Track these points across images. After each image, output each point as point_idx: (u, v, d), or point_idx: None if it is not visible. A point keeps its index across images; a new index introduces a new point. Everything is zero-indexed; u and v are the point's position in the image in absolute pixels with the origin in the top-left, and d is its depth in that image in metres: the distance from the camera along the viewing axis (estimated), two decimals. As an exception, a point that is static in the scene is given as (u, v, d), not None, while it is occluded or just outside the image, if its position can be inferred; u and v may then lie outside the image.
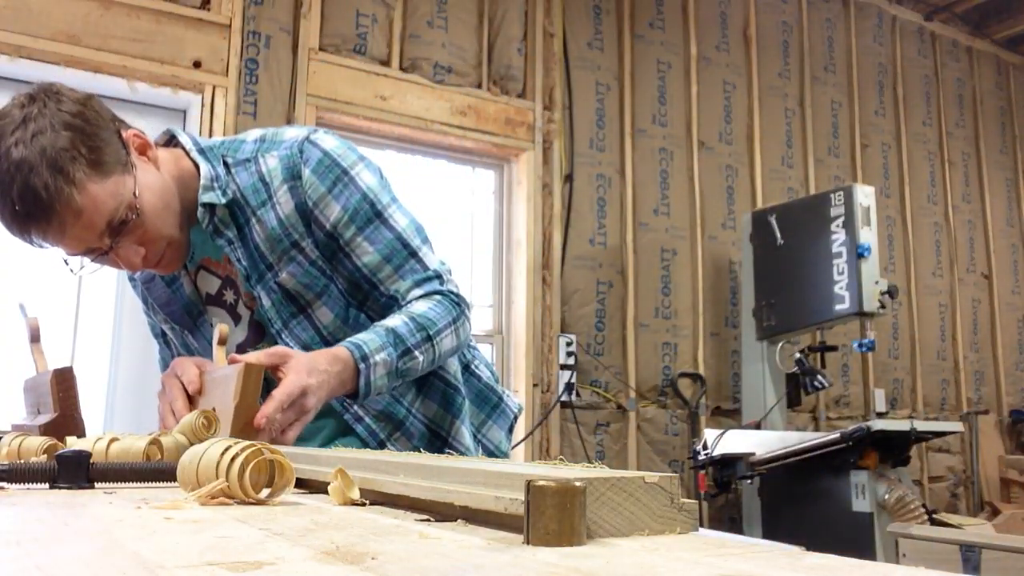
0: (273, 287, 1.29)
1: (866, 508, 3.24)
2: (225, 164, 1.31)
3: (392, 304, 1.31)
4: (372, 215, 1.30)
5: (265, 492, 0.61)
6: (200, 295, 1.37)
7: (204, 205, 1.26)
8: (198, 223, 1.28)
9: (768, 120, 4.73)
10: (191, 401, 1.15)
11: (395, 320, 1.25)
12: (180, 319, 1.39)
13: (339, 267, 1.31)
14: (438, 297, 1.30)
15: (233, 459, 0.59)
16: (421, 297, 1.29)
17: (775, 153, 4.75)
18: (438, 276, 1.32)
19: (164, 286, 1.38)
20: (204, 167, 1.27)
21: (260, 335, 1.34)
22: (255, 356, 1.11)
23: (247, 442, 0.61)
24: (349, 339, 1.21)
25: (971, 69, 5.83)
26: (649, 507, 0.43)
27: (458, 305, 1.31)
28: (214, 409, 1.06)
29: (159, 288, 1.39)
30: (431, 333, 1.26)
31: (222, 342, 1.21)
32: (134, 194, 1.16)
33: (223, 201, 1.28)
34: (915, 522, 3.08)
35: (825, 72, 5.06)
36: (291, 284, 1.29)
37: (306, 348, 1.27)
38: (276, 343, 1.28)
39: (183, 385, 1.15)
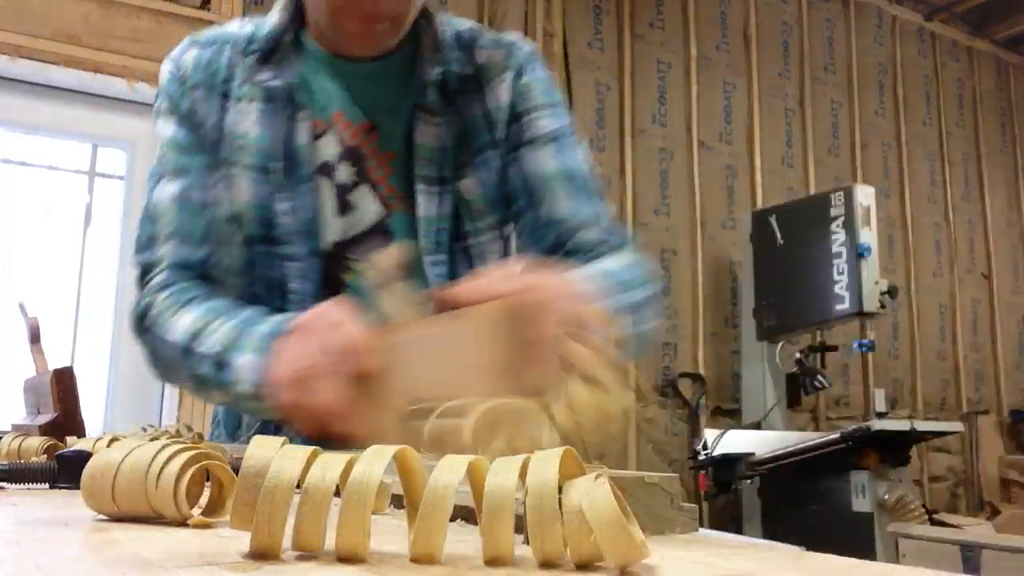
0: (446, 192, 0.98)
1: (866, 508, 3.24)
2: None
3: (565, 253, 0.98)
4: (575, 144, 1.05)
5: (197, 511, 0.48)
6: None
7: (443, 41, 1.01)
8: (386, 60, 0.99)
9: (768, 120, 4.73)
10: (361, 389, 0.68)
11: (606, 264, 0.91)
12: (273, 168, 0.97)
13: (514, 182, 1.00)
14: (636, 258, 0.96)
15: (164, 469, 0.46)
16: (613, 252, 0.96)
17: (775, 153, 4.74)
18: (625, 238, 1.01)
19: (261, 118, 0.98)
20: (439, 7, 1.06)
21: (382, 242, 0.97)
22: (500, 283, 0.64)
23: (181, 444, 0.48)
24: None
25: (971, 69, 5.83)
26: (649, 507, 0.43)
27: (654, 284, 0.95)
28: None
29: (249, 118, 0.99)
30: (638, 302, 0.89)
31: (391, 281, 0.69)
32: None
33: (455, 67, 1.00)
34: (915, 522, 3.08)
35: (825, 72, 5.06)
36: (474, 194, 0.99)
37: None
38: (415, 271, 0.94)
39: (348, 358, 0.68)
